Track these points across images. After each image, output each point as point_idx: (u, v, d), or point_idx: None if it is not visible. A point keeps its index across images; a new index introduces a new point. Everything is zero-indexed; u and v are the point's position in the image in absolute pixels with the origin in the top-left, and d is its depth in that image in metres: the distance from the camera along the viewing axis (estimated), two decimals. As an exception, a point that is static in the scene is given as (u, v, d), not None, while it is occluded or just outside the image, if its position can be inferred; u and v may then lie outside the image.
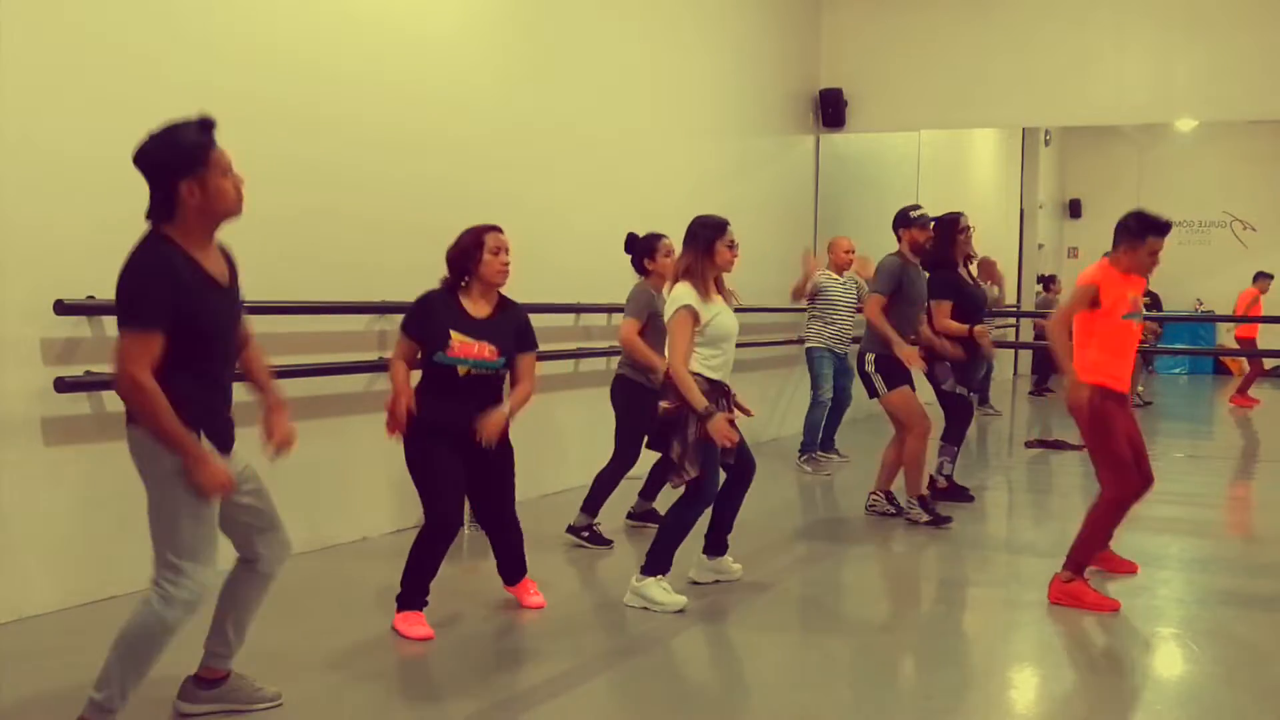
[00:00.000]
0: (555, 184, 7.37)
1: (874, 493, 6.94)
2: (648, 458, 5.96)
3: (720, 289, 4.93)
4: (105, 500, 4.58)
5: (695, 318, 4.70)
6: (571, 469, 7.25)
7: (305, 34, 5.59)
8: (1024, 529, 7.23)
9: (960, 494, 7.31)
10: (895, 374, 6.58)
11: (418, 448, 4.38)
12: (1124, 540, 5.64)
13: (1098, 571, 5.38)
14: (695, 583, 5.18)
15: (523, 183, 6.96)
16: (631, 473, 6.08)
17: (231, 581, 3.53)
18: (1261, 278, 14.83)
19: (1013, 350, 15.91)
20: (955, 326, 6.78)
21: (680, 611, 4.77)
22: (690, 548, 5.08)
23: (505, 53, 6.98)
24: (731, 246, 4.85)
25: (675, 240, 5.33)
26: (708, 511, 4.97)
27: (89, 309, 4.54)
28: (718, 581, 5.25)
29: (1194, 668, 4.35)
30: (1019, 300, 16.79)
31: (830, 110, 11.15)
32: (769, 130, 10.57)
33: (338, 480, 5.86)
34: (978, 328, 6.82)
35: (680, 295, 4.76)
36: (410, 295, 4.53)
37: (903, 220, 6.76)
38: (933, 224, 6.81)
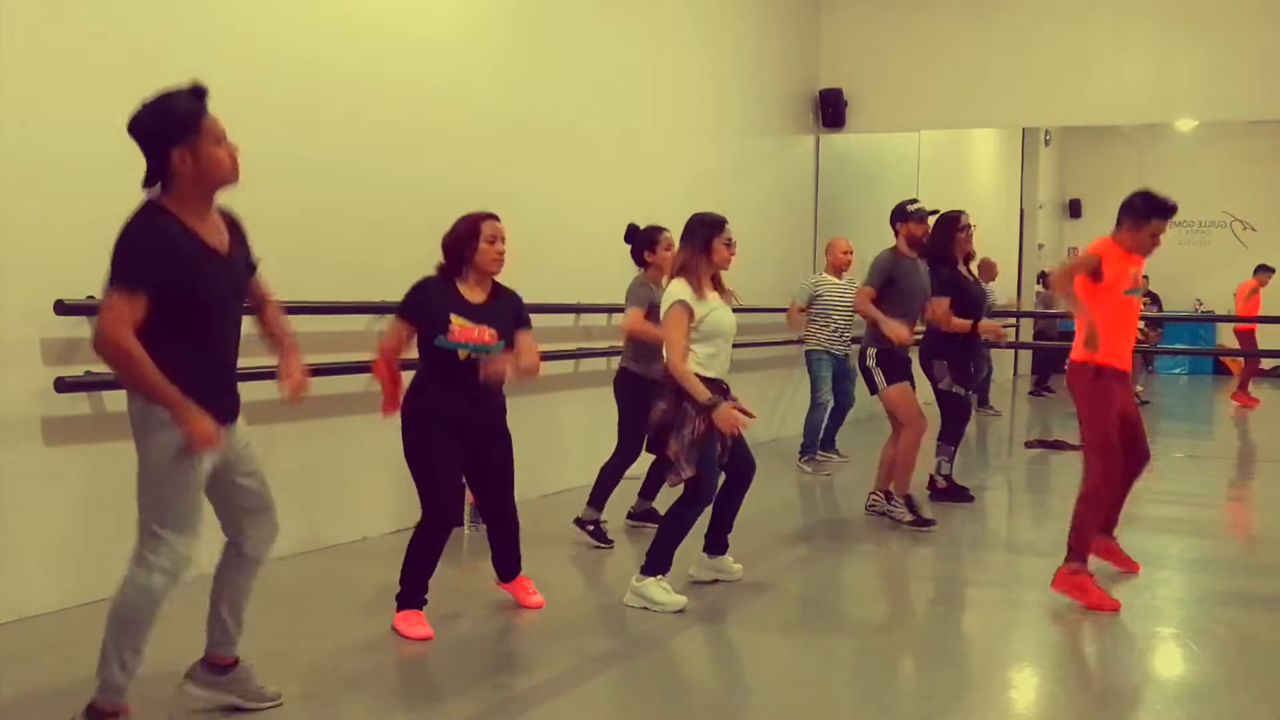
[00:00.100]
0: (555, 184, 7.37)
1: (874, 492, 6.94)
2: (649, 453, 5.97)
3: (720, 288, 4.93)
4: (105, 500, 4.58)
5: (690, 313, 4.71)
6: (572, 469, 7.24)
7: (305, 34, 5.59)
8: (1024, 529, 7.23)
9: (960, 494, 7.31)
10: (895, 370, 6.58)
11: (416, 438, 4.37)
12: (1124, 540, 5.63)
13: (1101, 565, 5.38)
14: (696, 582, 5.18)
15: (523, 182, 6.96)
16: (631, 472, 6.09)
17: (221, 568, 3.53)
18: (1262, 270, 14.84)
19: (1013, 350, 15.91)
20: (958, 322, 6.79)
21: (680, 611, 4.77)
22: (691, 546, 5.09)
23: (505, 52, 6.98)
24: (729, 244, 4.85)
25: (677, 237, 5.33)
26: (708, 510, 4.97)
27: (89, 309, 4.53)
28: (718, 581, 5.25)
29: (1194, 668, 4.35)
30: (1019, 300, 16.79)
31: (830, 110, 11.14)
32: (769, 130, 10.57)
33: (338, 480, 5.86)
34: (984, 323, 6.84)
35: (674, 291, 4.76)
36: (410, 295, 4.52)
37: (899, 214, 6.77)
38: (932, 216, 6.82)
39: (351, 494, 5.97)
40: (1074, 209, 20.50)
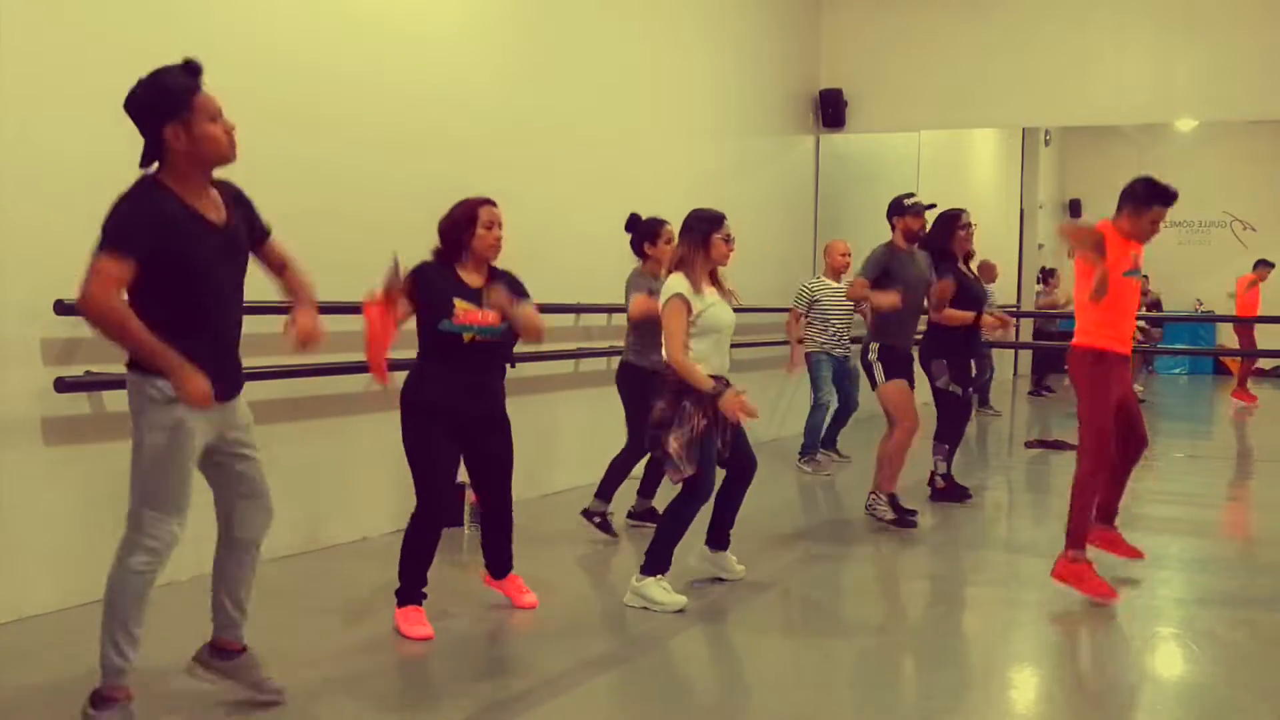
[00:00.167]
0: (555, 183, 7.37)
1: (874, 492, 6.93)
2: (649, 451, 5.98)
3: (720, 288, 4.93)
4: (105, 500, 4.56)
5: (688, 307, 4.71)
6: (571, 469, 7.25)
7: (305, 34, 5.59)
8: (1023, 529, 7.23)
9: (959, 493, 7.31)
10: (895, 366, 6.58)
11: (416, 430, 4.37)
12: (1124, 539, 5.63)
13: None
14: (696, 582, 5.18)
15: (523, 182, 6.95)
16: (631, 471, 6.09)
17: (217, 558, 3.55)
18: (1262, 265, 14.83)
19: (1013, 350, 15.91)
20: (960, 315, 6.80)
21: (680, 611, 4.76)
22: (691, 545, 5.08)
23: (505, 52, 6.98)
24: (728, 240, 4.86)
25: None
26: (708, 508, 4.97)
27: (89, 309, 4.54)
28: (718, 581, 5.25)
29: (1194, 668, 4.35)
30: (1019, 300, 16.79)
31: (830, 110, 11.14)
32: (769, 130, 10.57)
33: (338, 480, 5.87)
34: (987, 317, 6.85)
35: (672, 285, 4.77)
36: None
37: (896, 208, 6.77)
38: (930, 210, 6.82)
39: (351, 494, 5.97)
40: (1074, 209, 20.46)
